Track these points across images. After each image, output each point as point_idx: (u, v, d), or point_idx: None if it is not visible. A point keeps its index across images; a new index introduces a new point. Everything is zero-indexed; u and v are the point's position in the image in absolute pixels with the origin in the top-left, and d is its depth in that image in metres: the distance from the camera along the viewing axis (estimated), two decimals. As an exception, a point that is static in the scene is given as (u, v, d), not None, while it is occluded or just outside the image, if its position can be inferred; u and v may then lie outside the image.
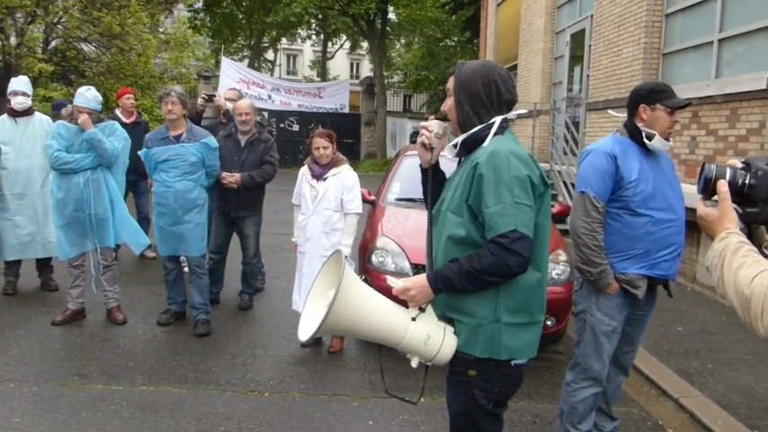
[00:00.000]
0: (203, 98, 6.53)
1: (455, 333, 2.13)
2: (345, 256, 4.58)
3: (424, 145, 2.28)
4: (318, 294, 2.13)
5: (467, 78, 2.15)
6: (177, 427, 3.58)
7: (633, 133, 3.01)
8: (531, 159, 2.07)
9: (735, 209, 1.67)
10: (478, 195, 2.03)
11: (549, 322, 4.52)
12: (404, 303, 2.13)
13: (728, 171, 1.70)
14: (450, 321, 2.15)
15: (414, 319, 2.08)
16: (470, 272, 2.00)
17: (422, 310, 2.11)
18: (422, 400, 3.90)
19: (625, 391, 3.99)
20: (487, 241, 2.00)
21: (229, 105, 6.08)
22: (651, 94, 2.95)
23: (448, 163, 2.30)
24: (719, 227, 1.65)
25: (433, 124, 2.26)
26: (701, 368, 4.57)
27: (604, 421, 3.36)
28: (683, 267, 6.91)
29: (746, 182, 1.70)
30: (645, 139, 2.96)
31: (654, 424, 3.85)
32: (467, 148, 2.17)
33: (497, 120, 2.12)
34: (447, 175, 2.33)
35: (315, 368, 4.48)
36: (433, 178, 2.32)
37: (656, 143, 2.95)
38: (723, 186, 1.67)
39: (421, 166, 2.36)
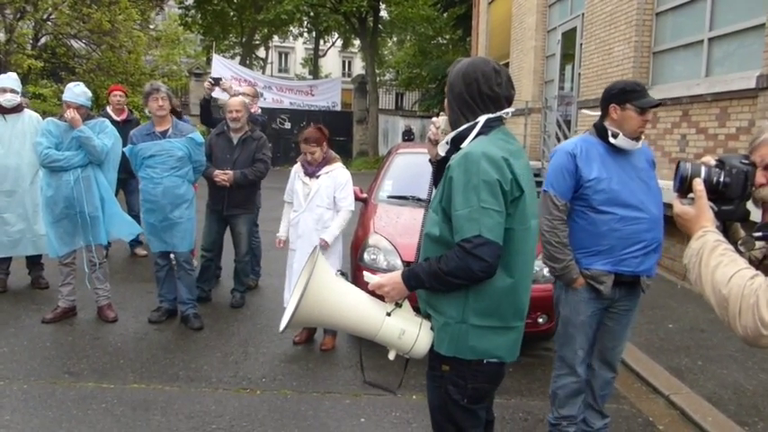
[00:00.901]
0: (210, 81, 6.35)
1: (432, 329, 2.16)
2: (333, 250, 4.63)
3: (430, 140, 2.35)
4: (300, 289, 2.17)
5: (452, 78, 2.19)
6: (169, 425, 3.57)
7: (600, 132, 3.04)
8: (506, 163, 2.01)
9: (710, 207, 1.68)
10: (449, 197, 2.04)
11: (540, 320, 4.54)
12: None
13: (703, 169, 1.71)
14: (429, 317, 2.18)
15: (389, 314, 2.12)
16: (437, 272, 2.02)
17: (398, 305, 2.15)
18: (413, 397, 3.95)
19: (616, 388, 4.00)
20: (455, 244, 2.01)
21: (246, 101, 5.86)
22: (621, 94, 2.97)
23: None
24: (696, 225, 1.66)
25: (441, 120, 2.34)
26: (691, 365, 4.60)
27: (595, 418, 3.36)
28: (674, 265, 6.95)
29: (721, 179, 1.71)
30: (610, 138, 2.98)
31: (644, 420, 3.88)
32: (456, 147, 2.19)
33: (481, 119, 2.12)
34: None
35: (307, 366, 4.48)
36: (438, 172, 2.35)
37: (621, 141, 2.97)
38: (699, 185, 1.68)
39: (430, 159, 2.43)
